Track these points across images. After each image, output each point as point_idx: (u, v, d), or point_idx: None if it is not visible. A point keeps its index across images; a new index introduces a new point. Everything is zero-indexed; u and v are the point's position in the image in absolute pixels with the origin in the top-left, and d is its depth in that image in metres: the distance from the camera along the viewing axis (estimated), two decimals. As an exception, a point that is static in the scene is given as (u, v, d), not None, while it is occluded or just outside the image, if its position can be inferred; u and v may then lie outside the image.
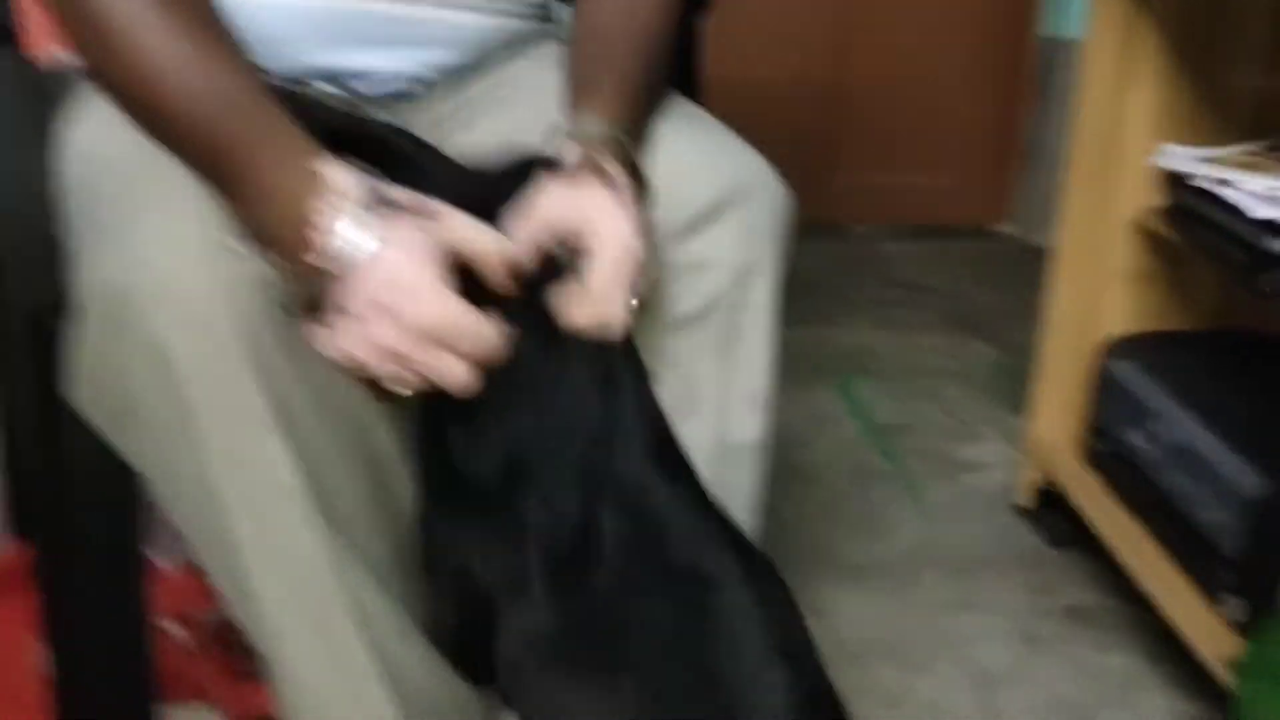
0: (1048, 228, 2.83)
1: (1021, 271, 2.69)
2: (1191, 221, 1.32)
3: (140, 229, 0.76)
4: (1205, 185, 1.28)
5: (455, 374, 0.78)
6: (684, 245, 0.94)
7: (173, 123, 0.79)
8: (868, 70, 2.85)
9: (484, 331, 0.79)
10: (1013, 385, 2.04)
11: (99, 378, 0.79)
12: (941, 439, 1.90)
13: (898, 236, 2.90)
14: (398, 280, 0.75)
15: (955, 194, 2.99)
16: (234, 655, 1.19)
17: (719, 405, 0.96)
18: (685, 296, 0.94)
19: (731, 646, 0.79)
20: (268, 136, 0.78)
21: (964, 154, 2.96)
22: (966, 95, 2.91)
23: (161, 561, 1.16)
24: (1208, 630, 1.22)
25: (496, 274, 0.81)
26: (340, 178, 0.76)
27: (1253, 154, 1.36)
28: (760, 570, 0.84)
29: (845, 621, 1.44)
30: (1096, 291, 1.53)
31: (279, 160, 0.77)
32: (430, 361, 0.77)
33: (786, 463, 1.79)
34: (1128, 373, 1.43)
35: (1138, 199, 1.47)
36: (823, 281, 2.55)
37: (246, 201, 0.77)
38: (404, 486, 0.89)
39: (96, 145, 0.87)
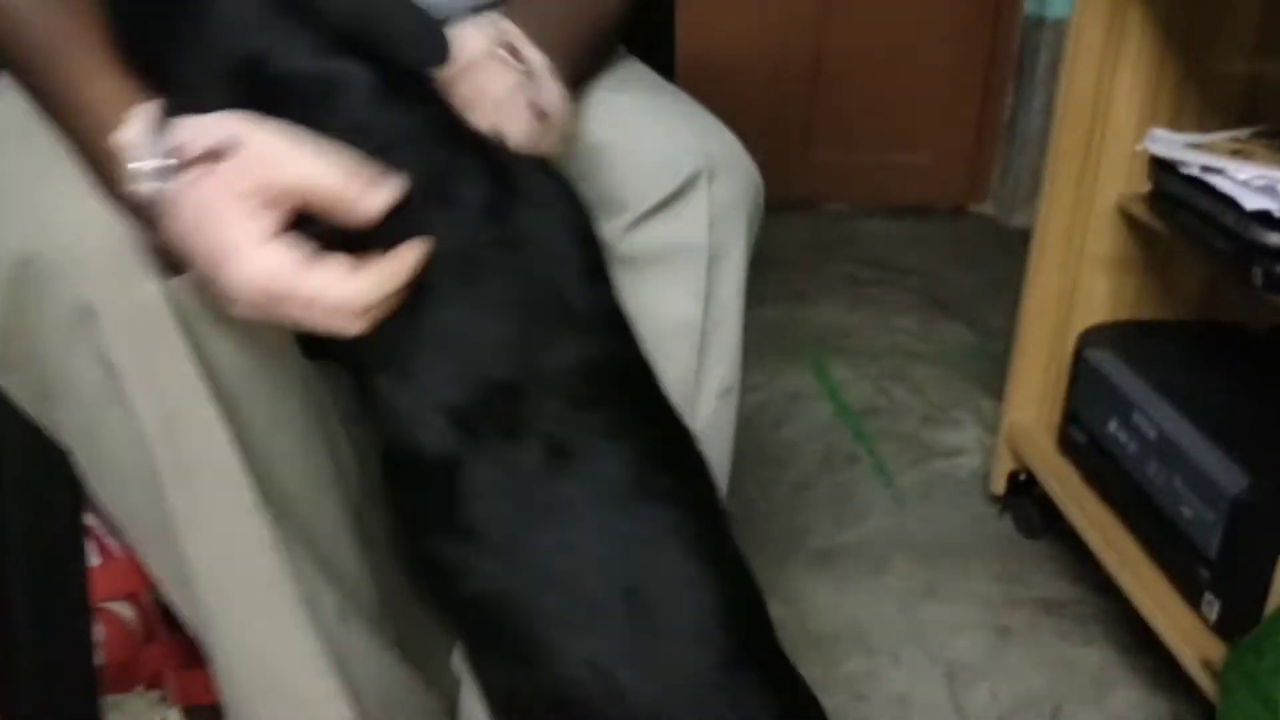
0: (1025, 209, 2.82)
1: (998, 253, 2.67)
2: (1177, 209, 1.29)
3: (51, 191, 0.71)
4: (1193, 172, 1.25)
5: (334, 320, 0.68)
6: (650, 228, 0.90)
7: None
8: (845, 46, 2.81)
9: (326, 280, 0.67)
10: (988, 369, 2.02)
11: (18, 351, 0.74)
12: (915, 422, 1.87)
13: (872, 215, 2.87)
14: (212, 233, 0.66)
15: (931, 173, 2.95)
16: (184, 639, 1.14)
17: (687, 397, 0.92)
18: (653, 283, 0.90)
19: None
20: (79, 49, 0.70)
21: (941, 133, 2.92)
22: (945, 73, 2.87)
23: (109, 540, 1.12)
24: (1184, 629, 1.20)
25: (339, 208, 0.68)
26: (139, 115, 0.68)
27: (1240, 141, 1.33)
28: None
29: (813, 609, 1.41)
30: (1076, 277, 1.50)
31: (88, 75, 0.70)
32: (297, 317, 0.68)
33: (756, 445, 1.76)
34: (1106, 361, 1.40)
35: (1121, 184, 1.44)
36: (795, 259, 2.51)
37: (59, 114, 0.71)
38: (347, 453, 0.85)
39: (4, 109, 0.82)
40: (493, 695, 0.78)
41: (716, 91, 1.09)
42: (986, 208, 2.95)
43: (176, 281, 0.71)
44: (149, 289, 0.70)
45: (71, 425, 0.75)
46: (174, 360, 0.71)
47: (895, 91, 2.86)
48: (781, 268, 2.48)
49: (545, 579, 0.71)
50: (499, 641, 0.73)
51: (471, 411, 0.71)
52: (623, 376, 0.77)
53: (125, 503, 0.77)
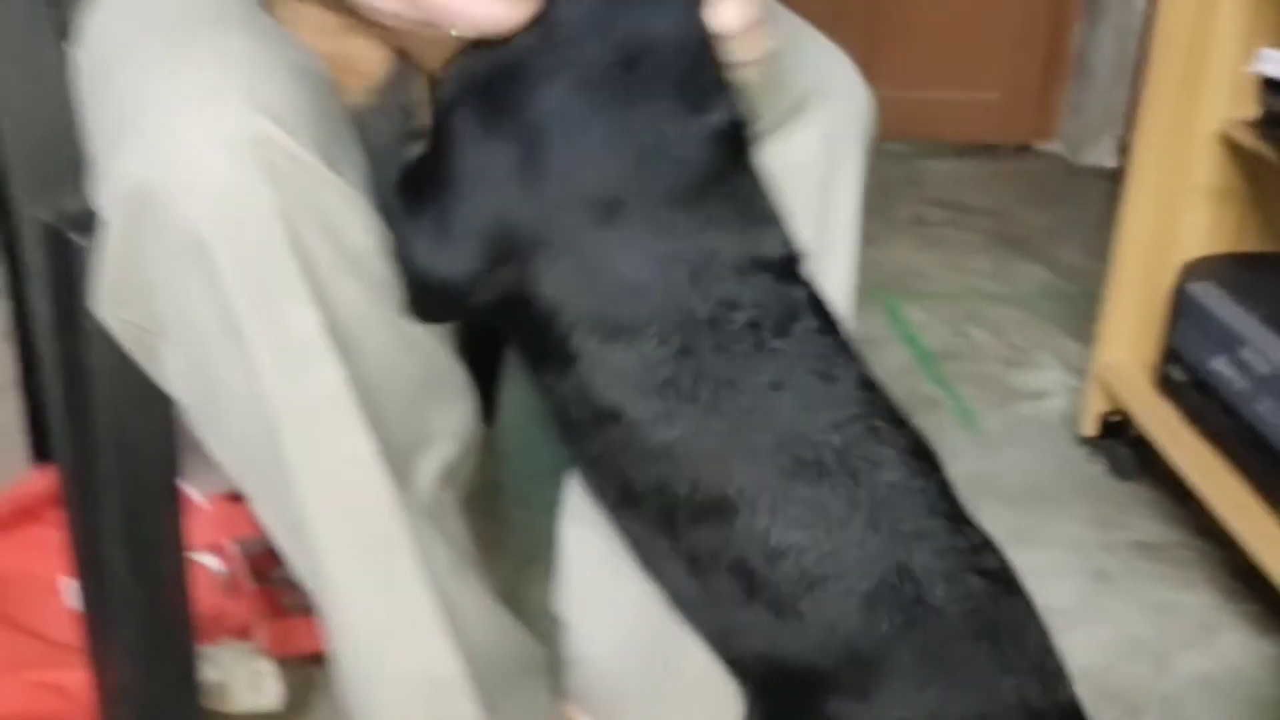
0: (1095, 147, 2.75)
1: (1069, 192, 2.60)
2: (1289, 133, 1.23)
3: (172, 121, 0.67)
4: (1309, 93, 1.19)
5: None
6: (762, 148, 0.86)
7: None
8: (907, -20, 2.74)
9: None
10: (1068, 309, 1.96)
11: (128, 289, 0.71)
12: (996, 365, 1.82)
13: (938, 154, 2.80)
14: None
15: (997, 110, 2.88)
16: (274, 589, 1.13)
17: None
18: None
19: None
20: None
21: (1007, 69, 2.84)
22: (1011, 7, 2.79)
23: (193, 492, 1.10)
24: (1297, 569, 1.16)
25: None
26: None
27: (1355, 61, 1.26)
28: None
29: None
30: (1174, 209, 1.45)
31: None
32: None
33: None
34: (1210, 295, 1.35)
35: (1224, 110, 1.38)
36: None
37: None
38: (459, 403, 0.82)
39: (113, 28, 0.79)
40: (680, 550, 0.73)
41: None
42: (1054, 145, 2.87)
43: (299, 217, 0.68)
44: (270, 222, 0.67)
45: (182, 365, 0.72)
46: (293, 301, 0.68)
47: (959, 26, 2.78)
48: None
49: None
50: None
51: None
52: None
53: (238, 449, 0.74)
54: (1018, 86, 2.85)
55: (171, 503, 0.86)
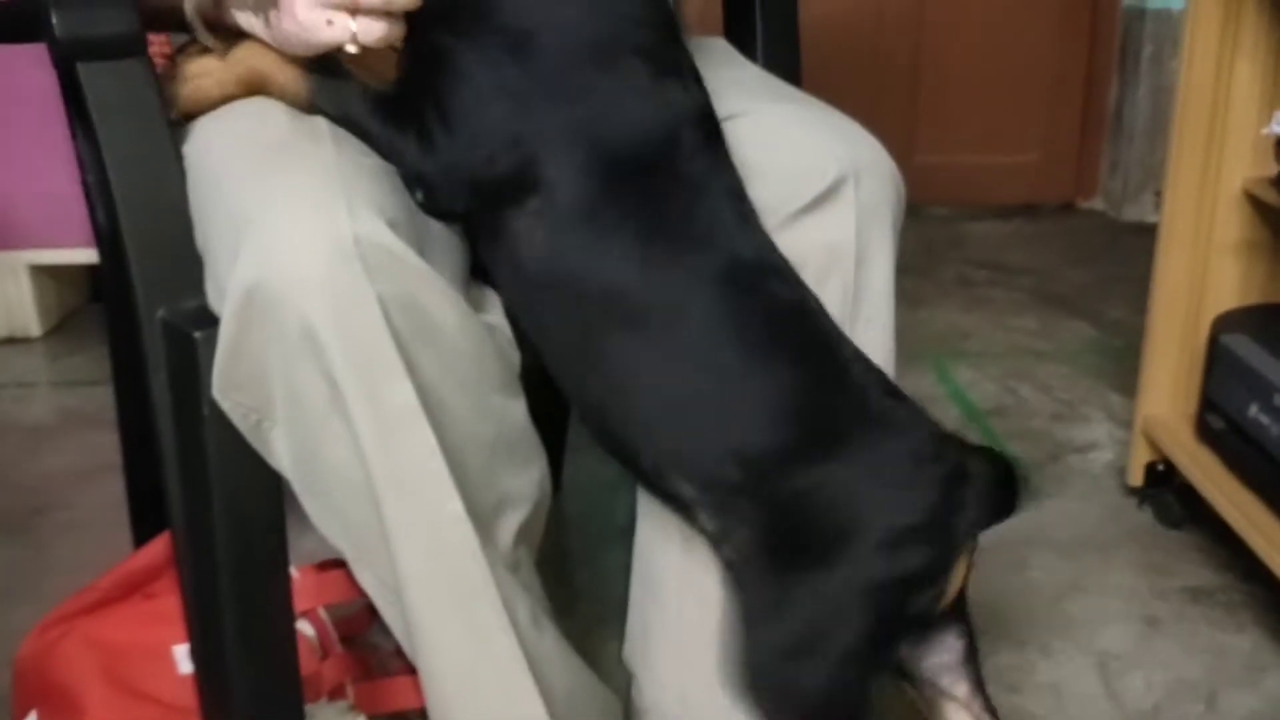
0: (1135, 202, 2.80)
1: (1111, 248, 2.65)
2: (1308, 190, 1.29)
3: (274, 220, 0.77)
4: (1323, 152, 1.25)
5: None
6: (799, 227, 0.94)
7: None
8: (942, 47, 2.82)
9: None
10: (1113, 363, 2.01)
11: (241, 376, 0.80)
12: (1044, 420, 1.87)
13: (979, 216, 2.87)
14: None
15: (1038, 171, 2.94)
16: (361, 653, 1.20)
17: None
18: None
19: None
20: None
21: (1046, 130, 2.91)
22: (1047, 70, 2.86)
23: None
24: (1340, 607, 1.20)
25: None
26: None
27: (1368, 118, 1.32)
28: None
29: (959, 606, 1.43)
30: (1205, 264, 1.50)
31: None
32: None
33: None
34: (1243, 346, 1.40)
35: (1246, 168, 1.44)
36: (906, 264, 2.50)
37: None
38: (533, 467, 0.90)
39: (220, 144, 0.89)
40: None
41: (816, 96, 1.12)
42: (1096, 203, 2.93)
43: (398, 306, 0.79)
44: (369, 311, 0.76)
45: (290, 442, 0.81)
46: (391, 377, 0.77)
47: (997, 91, 2.86)
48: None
49: None
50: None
51: None
52: None
53: (340, 516, 0.83)
54: (1056, 147, 2.92)
55: (281, 571, 0.94)
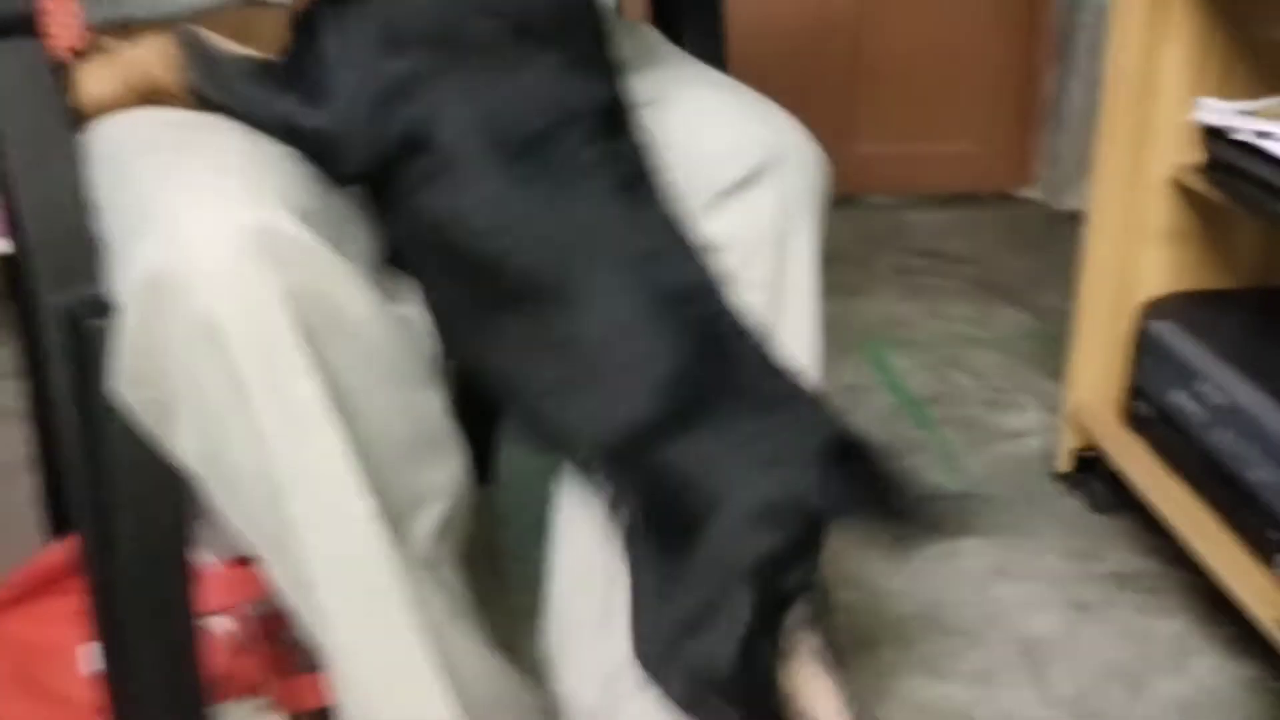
0: (1073, 191, 2.82)
1: (1049, 237, 2.67)
2: (1231, 176, 1.30)
3: (182, 215, 0.75)
4: (1245, 138, 1.25)
5: None
6: (720, 214, 0.93)
7: None
8: (883, 37, 2.82)
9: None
10: (1047, 351, 2.02)
11: (143, 370, 0.78)
12: (977, 408, 1.88)
13: (919, 205, 2.87)
14: None
15: (977, 160, 2.96)
16: (282, 649, 1.18)
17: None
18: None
19: None
20: None
21: (985, 119, 2.92)
22: (986, 59, 2.87)
23: (206, 557, 1.15)
24: (1261, 592, 1.21)
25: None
26: None
27: (1291, 106, 1.33)
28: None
29: (886, 594, 1.43)
30: (1132, 252, 1.51)
31: None
32: None
33: (821, 437, 1.77)
34: (1169, 333, 1.41)
35: (1173, 156, 1.45)
36: (845, 253, 2.52)
37: None
38: (451, 461, 0.88)
39: (123, 133, 0.87)
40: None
41: (754, 89, 1.12)
42: (1034, 192, 2.95)
43: (306, 300, 0.77)
44: (274, 304, 0.74)
45: (194, 438, 0.79)
46: (296, 372, 0.75)
47: (936, 81, 2.86)
48: (832, 261, 2.47)
49: None
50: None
51: None
52: None
53: (246, 512, 0.81)
54: (995, 136, 2.93)
55: (184, 568, 0.92)
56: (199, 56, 0.86)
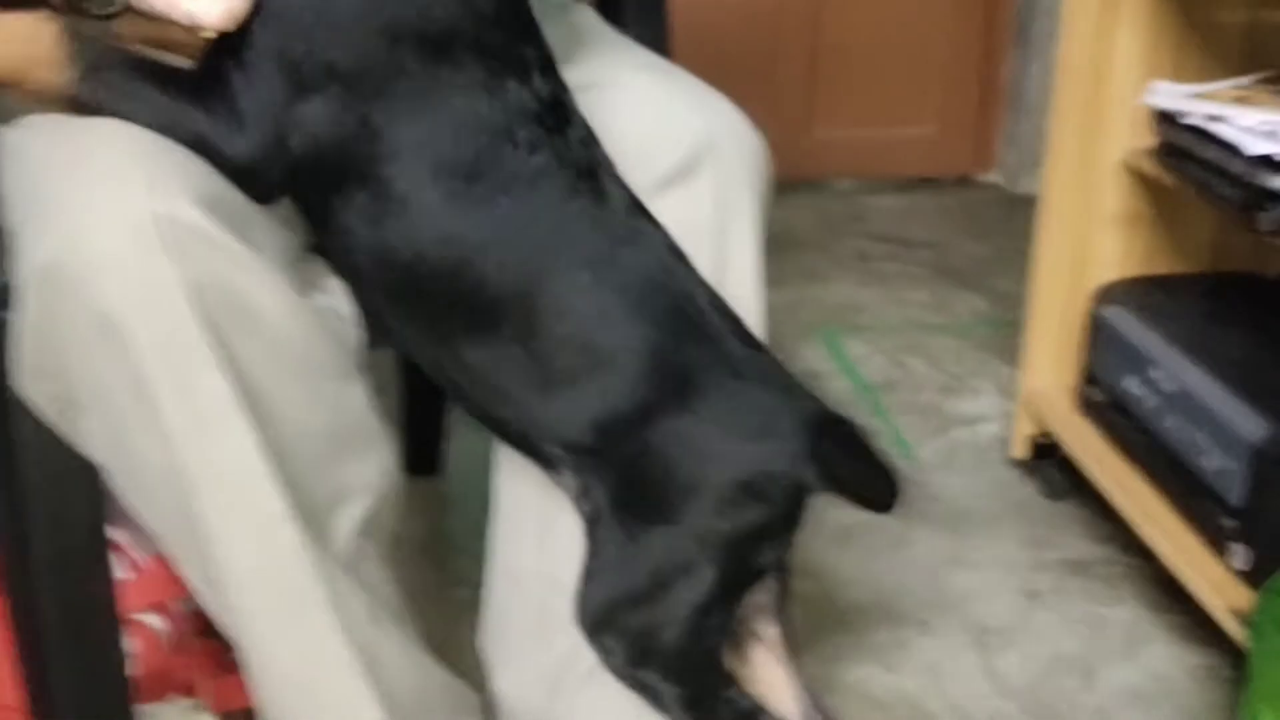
0: (1032, 176, 2.81)
1: (1008, 221, 2.66)
2: (1184, 161, 1.28)
3: (78, 203, 0.71)
4: (1197, 122, 1.24)
5: None
6: (657, 202, 0.91)
7: None
8: (842, 21, 2.80)
9: None
10: (1004, 337, 2.01)
11: (44, 364, 0.75)
12: (933, 394, 1.86)
13: (879, 190, 2.86)
14: None
15: (936, 144, 2.94)
16: (216, 646, 1.15)
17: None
18: None
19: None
20: None
21: (944, 103, 2.91)
22: (945, 43, 2.86)
23: (136, 552, 1.12)
24: (1213, 580, 1.20)
25: None
26: None
27: (1243, 88, 1.32)
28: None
29: (838, 583, 1.41)
30: (1086, 237, 1.50)
31: None
32: None
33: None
34: (1121, 319, 1.40)
35: (1126, 141, 1.43)
36: (804, 238, 2.51)
37: None
38: (375, 455, 0.86)
39: (22, 121, 0.83)
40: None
41: (713, 75, 1.09)
42: (993, 176, 2.94)
43: (208, 291, 0.73)
44: (176, 296, 0.71)
45: (100, 433, 0.76)
46: (202, 368, 0.72)
47: (895, 64, 2.85)
48: (790, 247, 2.47)
49: None
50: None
51: None
52: None
53: (156, 510, 0.78)
54: (954, 120, 2.92)
55: (102, 564, 0.89)
56: (89, 50, 0.79)
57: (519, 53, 0.85)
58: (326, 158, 0.79)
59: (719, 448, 0.84)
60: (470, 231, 0.82)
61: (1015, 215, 2.67)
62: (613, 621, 0.87)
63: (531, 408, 0.86)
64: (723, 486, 0.84)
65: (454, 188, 0.81)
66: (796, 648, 0.98)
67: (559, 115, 0.86)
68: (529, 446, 0.89)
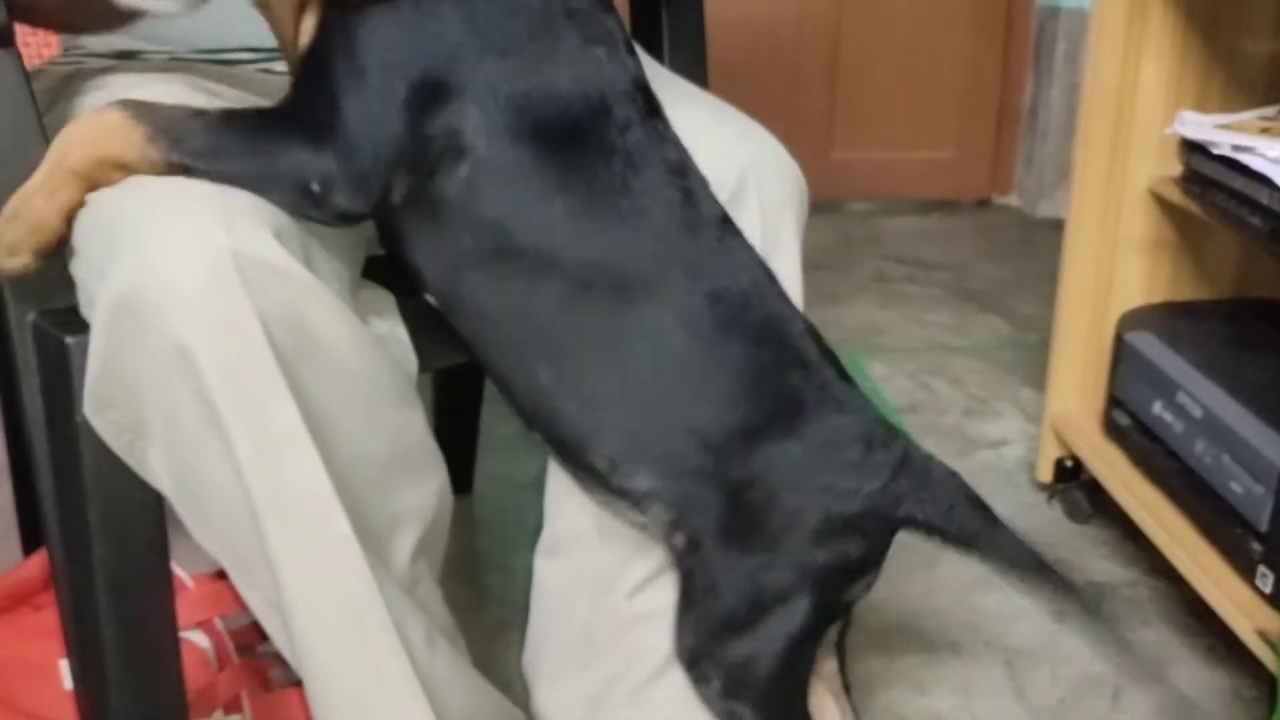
0: (1050, 199, 2.83)
1: (1026, 244, 2.68)
2: (1210, 189, 1.30)
3: (157, 238, 0.74)
4: (1224, 152, 1.26)
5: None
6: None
7: None
8: (860, 45, 2.83)
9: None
10: (1026, 359, 2.03)
11: (113, 393, 0.77)
12: (956, 416, 1.88)
13: (898, 212, 2.88)
14: None
15: (955, 167, 2.97)
16: (260, 664, 1.17)
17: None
18: None
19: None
20: None
21: (962, 127, 2.94)
22: (963, 67, 2.89)
23: (180, 571, 1.14)
24: (1239, 603, 1.21)
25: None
26: None
27: (1269, 119, 1.34)
28: None
29: (868, 606, 1.41)
30: (1111, 262, 1.52)
31: None
32: None
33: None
34: (1147, 343, 1.41)
35: (1152, 167, 1.45)
36: (823, 260, 2.53)
37: None
38: (432, 479, 0.87)
39: None
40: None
41: (733, 97, 1.11)
42: (1012, 199, 2.96)
43: (279, 323, 0.75)
44: (248, 328, 0.73)
45: (167, 461, 0.78)
46: (273, 396, 0.74)
47: (914, 88, 2.88)
48: (810, 269, 2.48)
49: None
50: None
51: None
52: None
53: (221, 535, 0.80)
54: (973, 143, 2.94)
55: (162, 584, 0.90)
56: (161, 122, 0.78)
57: (606, 24, 0.84)
58: (432, 134, 0.79)
59: (823, 478, 0.84)
60: (561, 199, 0.81)
61: (1034, 238, 2.70)
62: (712, 650, 0.87)
63: (627, 416, 0.85)
64: (825, 518, 0.85)
65: (546, 154, 0.80)
66: (850, 686, 0.99)
67: (649, 100, 0.86)
68: (618, 478, 0.86)
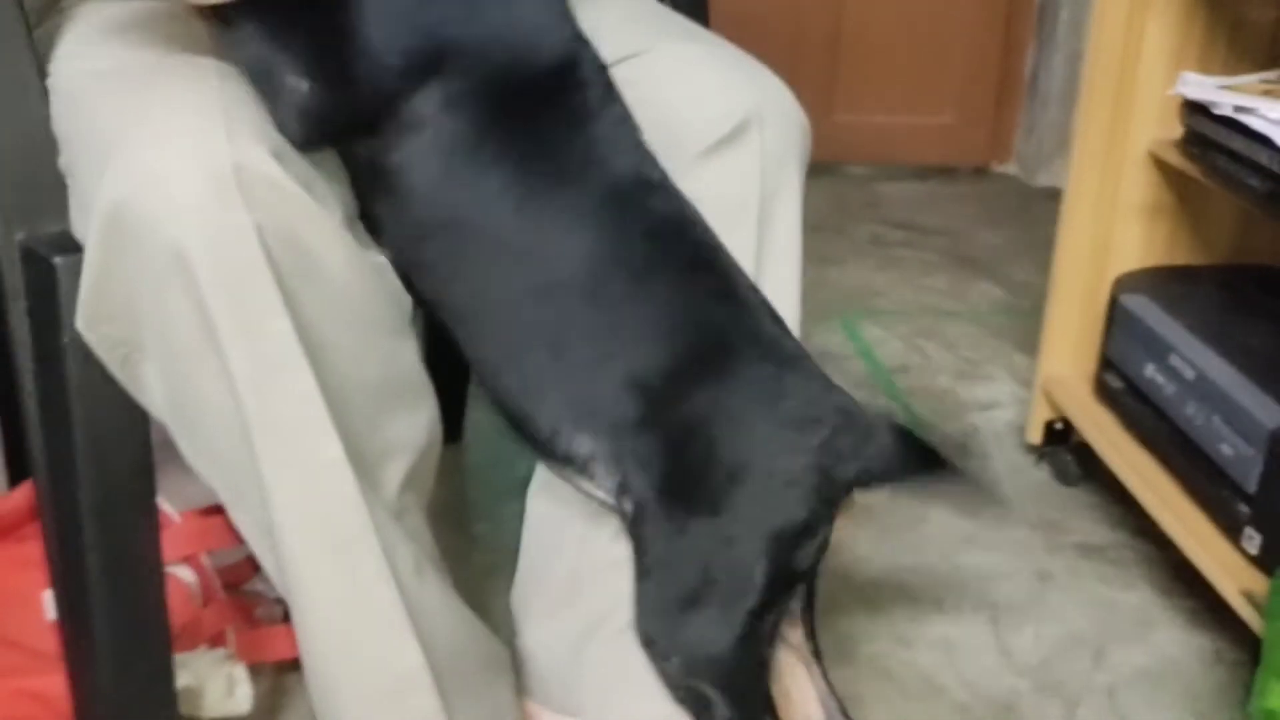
0: (1049, 168, 2.82)
1: (1023, 212, 2.67)
2: (1210, 151, 1.30)
3: (157, 147, 0.73)
4: (1226, 112, 1.25)
5: None
6: (702, 172, 0.92)
7: None
8: (864, 7, 2.81)
9: None
10: (1019, 324, 2.03)
11: (107, 307, 0.76)
12: (948, 378, 1.88)
13: (896, 177, 2.87)
14: None
15: (954, 133, 2.95)
16: (246, 600, 1.17)
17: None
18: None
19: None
20: None
21: (963, 93, 2.92)
22: (966, 33, 2.86)
23: (167, 507, 1.14)
24: (1226, 565, 1.22)
25: None
26: None
27: (1271, 82, 1.33)
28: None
29: (854, 561, 1.43)
30: (1109, 226, 1.51)
31: None
32: None
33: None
34: (1142, 306, 1.41)
35: (1152, 131, 1.45)
36: (821, 222, 2.52)
37: None
38: (423, 410, 0.87)
39: (85, 64, 0.84)
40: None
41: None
42: (1010, 167, 2.95)
43: (274, 234, 0.74)
44: (246, 240, 0.72)
45: (161, 377, 0.77)
46: (268, 311, 0.73)
47: (916, 52, 2.85)
48: (807, 230, 2.48)
49: None
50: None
51: None
52: None
53: (212, 454, 0.79)
54: (972, 110, 2.92)
55: (148, 515, 0.90)
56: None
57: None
58: (402, 73, 0.80)
59: (762, 432, 0.82)
60: (506, 164, 0.81)
61: (1031, 206, 2.69)
62: (668, 628, 0.84)
63: (563, 377, 0.83)
64: (767, 474, 0.82)
65: (502, 116, 0.81)
66: (820, 653, 0.97)
67: (599, 60, 0.86)
68: (559, 442, 0.86)
